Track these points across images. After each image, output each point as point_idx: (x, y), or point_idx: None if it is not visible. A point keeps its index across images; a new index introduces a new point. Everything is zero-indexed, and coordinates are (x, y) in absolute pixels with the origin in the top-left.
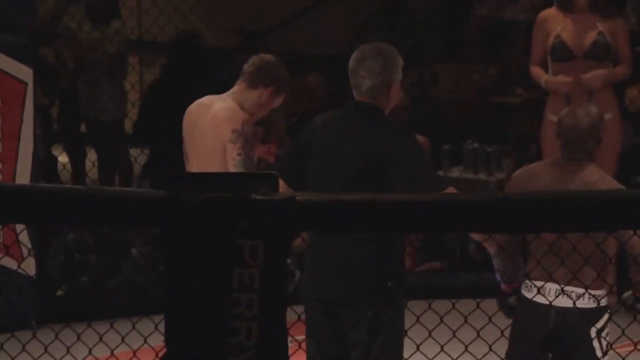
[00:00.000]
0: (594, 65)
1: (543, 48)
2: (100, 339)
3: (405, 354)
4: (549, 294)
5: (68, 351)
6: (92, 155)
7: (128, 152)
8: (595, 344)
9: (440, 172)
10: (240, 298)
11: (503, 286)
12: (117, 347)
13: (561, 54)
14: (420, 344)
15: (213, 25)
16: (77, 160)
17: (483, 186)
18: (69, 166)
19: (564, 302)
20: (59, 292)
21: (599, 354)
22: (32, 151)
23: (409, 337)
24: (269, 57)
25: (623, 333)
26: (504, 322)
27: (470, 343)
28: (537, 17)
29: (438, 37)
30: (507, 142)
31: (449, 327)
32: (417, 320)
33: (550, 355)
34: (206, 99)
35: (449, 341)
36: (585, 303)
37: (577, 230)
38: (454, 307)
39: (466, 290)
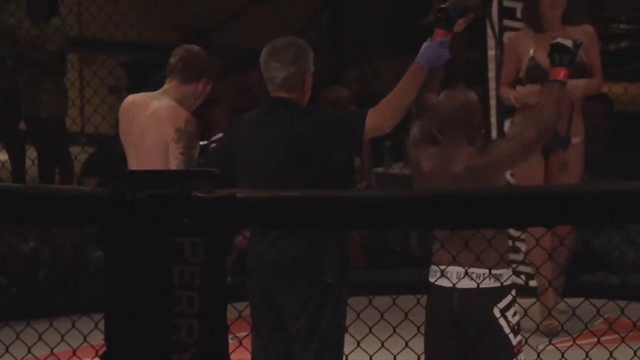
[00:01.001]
0: (571, 102)
1: (515, 70)
2: (40, 338)
3: (346, 350)
4: (452, 277)
5: (7, 350)
6: (31, 153)
7: (68, 150)
8: (502, 322)
9: (381, 169)
10: (181, 296)
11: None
12: (56, 345)
13: (536, 75)
14: (361, 340)
15: (154, 22)
16: (17, 158)
17: None
18: (8, 164)
19: (466, 283)
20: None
21: (506, 330)
22: None
23: (350, 334)
24: (194, 48)
25: (562, 328)
26: None
27: (410, 339)
28: (509, 38)
29: (381, 34)
30: None
31: (390, 323)
32: (358, 317)
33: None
34: (139, 96)
35: (389, 337)
36: (487, 283)
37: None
38: (394, 303)
39: (407, 286)
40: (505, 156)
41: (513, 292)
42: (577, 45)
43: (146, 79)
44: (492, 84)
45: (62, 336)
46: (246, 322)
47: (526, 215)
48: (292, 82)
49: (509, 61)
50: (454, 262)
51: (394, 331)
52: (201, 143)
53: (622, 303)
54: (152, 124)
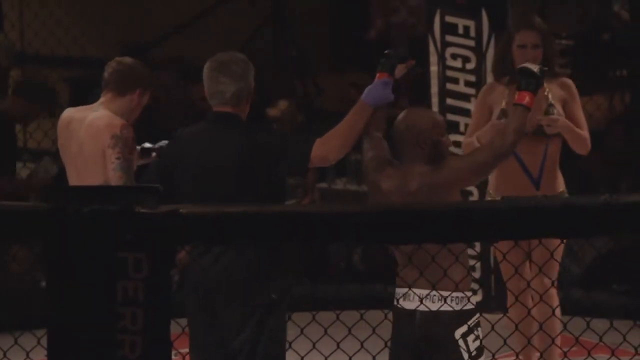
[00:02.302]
0: (547, 142)
1: (485, 121)
2: None
3: None
4: (414, 299)
5: None
6: None
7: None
8: (462, 346)
9: (324, 184)
10: (124, 312)
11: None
12: None
13: None
14: (305, 355)
15: (96, 37)
16: None
17: (366, 197)
18: None
19: (428, 305)
20: None
21: (465, 356)
22: None
23: (293, 349)
24: (126, 60)
25: (505, 343)
26: (388, 333)
27: (354, 354)
28: (482, 88)
29: (323, 49)
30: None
31: (333, 339)
32: (302, 332)
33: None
34: (77, 110)
35: (333, 352)
36: (449, 306)
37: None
38: (338, 318)
39: (350, 301)
40: (457, 174)
41: (476, 316)
42: (543, 70)
43: (89, 94)
44: (434, 100)
45: (5, 352)
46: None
47: (472, 230)
48: (241, 97)
49: (479, 111)
50: (417, 283)
51: (338, 346)
52: (146, 146)
53: (565, 318)
54: (89, 134)
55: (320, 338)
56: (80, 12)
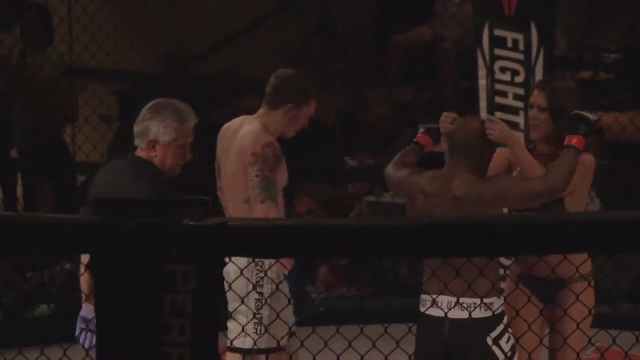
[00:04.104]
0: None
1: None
2: None
3: None
4: (443, 306)
5: None
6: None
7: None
8: (496, 350)
9: (372, 197)
10: (172, 324)
11: None
12: None
13: None
14: None
15: (144, 51)
16: (9, 186)
17: None
18: (0, 192)
19: (458, 313)
20: None
21: (502, 358)
22: None
23: None
24: (283, 72)
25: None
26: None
27: None
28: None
29: (369, 63)
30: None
31: (381, 352)
32: (350, 345)
33: None
34: (237, 121)
35: None
36: (479, 313)
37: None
38: (386, 331)
39: (399, 314)
40: (506, 193)
41: (505, 320)
42: (597, 119)
43: (136, 107)
44: (483, 114)
45: None
46: None
47: (518, 244)
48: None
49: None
50: (446, 291)
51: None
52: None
53: (614, 332)
54: (235, 151)
55: (369, 351)
56: (129, 26)
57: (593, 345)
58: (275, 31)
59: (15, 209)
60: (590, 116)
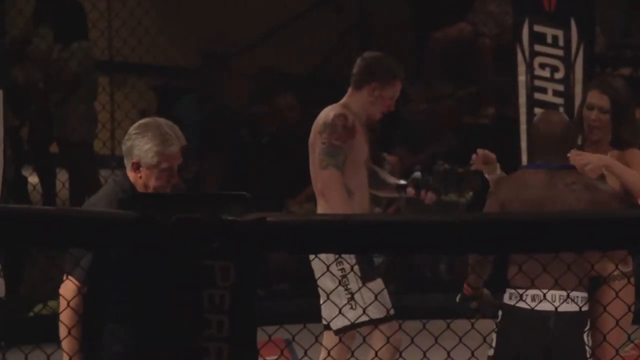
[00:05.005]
0: None
1: None
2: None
3: None
4: (533, 300)
5: None
6: (62, 176)
7: (98, 173)
8: (586, 341)
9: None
10: (210, 319)
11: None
12: None
13: None
14: None
15: (183, 46)
16: (47, 181)
17: (454, 207)
18: (39, 187)
19: (546, 306)
20: (30, 314)
21: (588, 352)
22: (2, 172)
23: (379, 358)
24: (368, 54)
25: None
26: (475, 342)
27: None
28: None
29: (408, 58)
30: None
31: (420, 348)
32: (387, 341)
33: None
34: (327, 108)
35: None
36: (575, 307)
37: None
38: (424, 327)
39: (437, 310)
40: (611, 199)
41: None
42: None
43: (175, 102)
44: (522, 110)
45: None
46: (276, 346)
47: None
48: None
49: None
50: (539, 284)
51: (424, 355)
52: (401, 182)
53: None
54: (312, 132)
55: (407, 347)
56: (167, 21)
57: (632, 342)
58: (313, 27)
59: (54, 204)
60: None
